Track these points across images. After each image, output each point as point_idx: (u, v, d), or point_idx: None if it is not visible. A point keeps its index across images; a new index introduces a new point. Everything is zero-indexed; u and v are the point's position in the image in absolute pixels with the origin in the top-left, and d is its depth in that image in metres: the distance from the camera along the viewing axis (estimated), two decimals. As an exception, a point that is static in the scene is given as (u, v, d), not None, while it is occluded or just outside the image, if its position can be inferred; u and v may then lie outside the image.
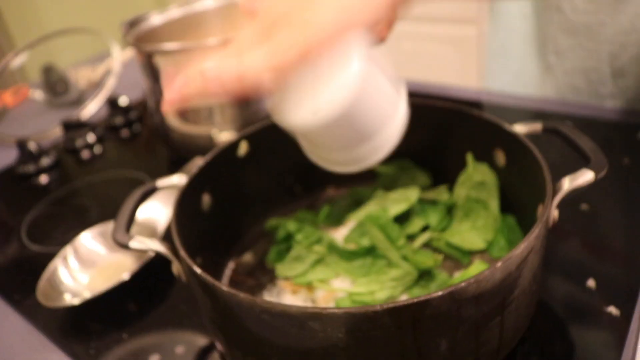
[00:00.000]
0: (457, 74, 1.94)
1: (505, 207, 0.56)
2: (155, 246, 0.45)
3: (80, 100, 1.17)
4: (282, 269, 0.55)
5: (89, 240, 0.63)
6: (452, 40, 1.95)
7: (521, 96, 0.91)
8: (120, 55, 1.12)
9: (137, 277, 0.58)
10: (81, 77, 1.25)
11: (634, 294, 0.49)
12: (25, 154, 0.92)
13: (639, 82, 0.80)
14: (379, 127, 0.44)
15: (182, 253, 0.41)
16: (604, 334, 0.46)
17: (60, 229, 0.74)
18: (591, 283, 0.51)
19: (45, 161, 0.92)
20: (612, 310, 0.48)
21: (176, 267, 0.46)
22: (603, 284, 0.51)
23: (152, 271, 0.60)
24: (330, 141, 0.44)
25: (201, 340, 0.52)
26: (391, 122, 0.44)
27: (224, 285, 0.37)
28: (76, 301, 0.55)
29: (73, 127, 0.98)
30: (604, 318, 0.48)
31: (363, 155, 0.45)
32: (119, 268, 0.61)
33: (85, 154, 0.96)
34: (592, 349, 0.45)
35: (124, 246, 0.45)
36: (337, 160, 0.46)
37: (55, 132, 1.03)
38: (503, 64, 0.97)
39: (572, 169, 0.46)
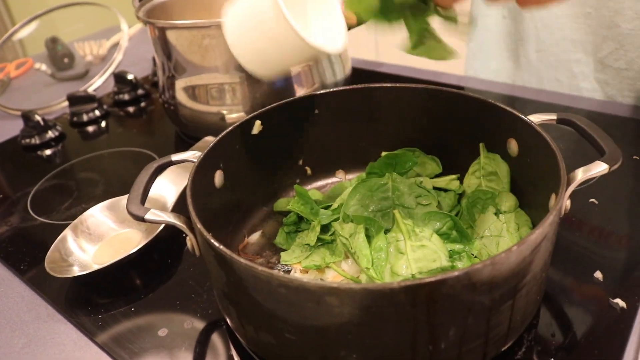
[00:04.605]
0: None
1: (516, 197, 0.56)
2: (171, 219, 0.45)
3: (85, 75, 1.16)
4: (285, 256, 0.55)
5: (99, 213, 0.63)
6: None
7: (531, 89, 0.91)
8: (128, 30, 1.11)
9: (144, 252, 0.58)
10: (87, 51, 1.24)
11: (640, 287, 0.50)
12: (30, 126, 0.91)
13: (617, 78, 0.82)
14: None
15: (199, 226, 0.41)
16: (609, 325, 0.47)
17: (65, 202, 0.74)
18: (598, 275, 0.52)
19: (51, 134, 0.92)
20: (619, 302, 0.49)
21: (190, 241, 0.46)
22: (610, 277, 0.51)
23: (159, 247, 0.60)
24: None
25: (209, 316, 0.52)
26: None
27: (241, 258, 0.37)
28: (84, 272, 0.55)
29: (79, 101, 0.97)
30: (610, 310, 0.48)
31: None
32: (127, 242, 0.61)
33: (90, 128, 0.96)
34: (598, 339, 0.46)
35: (139, 218, 0.45)
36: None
37: (61, 105, 1.03)
38: (482, 63, 0.99)
39: (578, 161, 0.46)
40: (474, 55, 1.01)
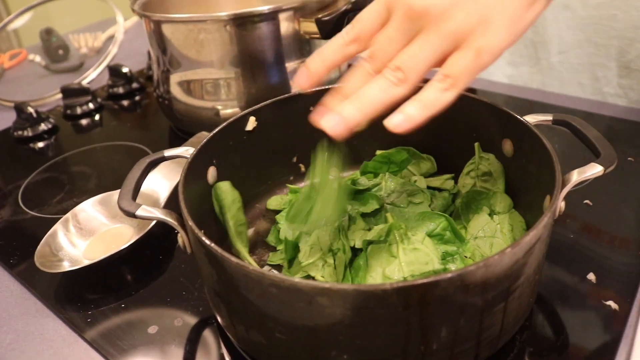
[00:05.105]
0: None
1: (510, 197, 0.56)
2: (162, 215, 0.44)
3: (80, 67, 1.15)
4: (273, 257, 0.55)
5: (90, 208, 0.63)
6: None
7: (526, 89, 0.91)
8: (124, 23, 1.10)
9: (136, 248, 0.57)
10: (82, 43, 1.23)
11: (633, 290, 0.50)
12: (23, 118, 0.90)
13: None
14: None
15: (191, 223, 0.41)
16: (602, 327, 0.47)
17: (57, 196, 0.73)
18: (591, 277, 0.51)
19: (43, 126, 0.91)
20: (611, 304, 0.48)
21: (182, 238, 0.45)
22: (603, 279, 0.51)
23: (151, 243, 0.60)
24: None
25: (200, 314, 0.52)
26: None
27: (233, 256, 0.37)
28: (74, 268, 0.55)
29: (73, 93, 0.96)
30: (602, 311, 0.48)
31: None
32: (118, 238, 0.60)
33: (84, 121, 0.95)
34: (590, 341, 0.46)
35: (131, 214, 0.44)
36: None
37: (55, 98, 1.02)
38: (497, 67, 0.97)
39: (574, 162, 0.46)
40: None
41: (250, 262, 0.52)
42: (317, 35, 0.73)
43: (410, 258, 0.46)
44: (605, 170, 0.45)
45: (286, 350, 0.41)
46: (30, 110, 0.90)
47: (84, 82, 1.05)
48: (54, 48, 1.20)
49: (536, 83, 0.92)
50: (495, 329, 0.41)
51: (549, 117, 0.52)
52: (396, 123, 0.38)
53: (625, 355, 0.45)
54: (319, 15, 0.72)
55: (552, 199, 0.42)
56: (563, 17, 0.83)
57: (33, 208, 0.71)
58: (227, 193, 0.52)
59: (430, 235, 0.50)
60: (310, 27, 0.73)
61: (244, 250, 0.52)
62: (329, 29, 0.72)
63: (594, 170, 0.45)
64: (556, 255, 0.54)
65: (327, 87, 0.61)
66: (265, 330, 0.41)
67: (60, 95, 0.98)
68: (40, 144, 0.89)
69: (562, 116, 0.52)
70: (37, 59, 1.17)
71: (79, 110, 0.96)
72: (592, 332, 0.47)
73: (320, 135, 0.63)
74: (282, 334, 0.39)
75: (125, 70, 1.01)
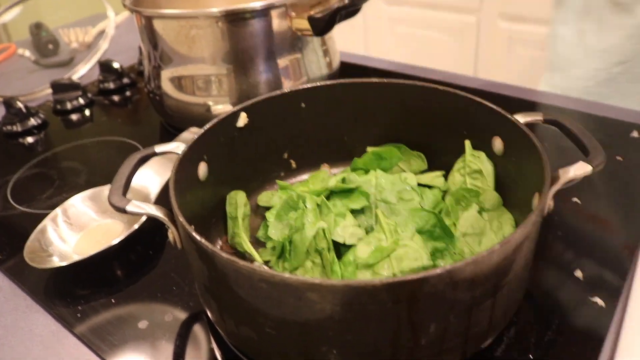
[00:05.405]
0: (453, 63, 1.95)
1: (500, 195, 0.56)
2: (153, 211, 0.44)
3: (70, 62, 1.14)
4: (263, 253, 0.55)
5: (80, 203, 0.62)
6: (451, 29, 1.94)
7: (519, 88, 0.91)
8: (115, 18, 1.09)
9: (126, 243, 0.57)
10: (72, 38, 1.22)
11: (619, 287, 0.51)
12: (12, 113, 0.90)
13: None
14: None
15: (181, 219, 0.41)
16: (588, 323, 0.48)
17: (47, 191, 0.73)
18: (579, 274, 0.52)
19: (33, 121, 0.90)
20: (598, 300, 0.49)
21: (172, 234, 0.45)
22: (590, 275, 0.52)
23: (142, 238, 0.60)
24: None
25: (190, 309, 0.52)
26: None
27: (223, 252, 0.37)
28: (64, 263, 0.55)
29: (63, 89, 0.96)
30: (589, 308, 0.49)
31: None
32: (108, 233, 0.60)
33: (74, 117, 0.95)
34: (576, 337, 0.46)
35: (121, 210, 0.44)
36: None
37: (44, 93, 1.01)
38: (561, 77, 0.95)
39: (564, 161, 0.46)
40: (552, 67, 0.96)
41: (253, 253, 0.53)
42: (309, 32, 0.73)
43: (399, 254, 0.46)
44: (593, 169, 0.45)
45: (276, 346, 0.41)
46: (20, 105, 0.90)
47: (74, 77, 1.04)
48: (44, 42, 1.20)
49: (593, 96, 0.86)
50: (484, 325, 0.41)
51: (539, 117, 0.53)
52: None
53: (610, 351, 0.46)
54: (311, 13, 0.72)
55: (541, 197, 0.42)
56: (624, 23, 0.80)
57: (22, 203, 0.70)
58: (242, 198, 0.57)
59: (419, 231, 0.50)
60: (302, 24, 0.73)
61: (248, 243, 0.54)
62: (321, 27, 0.72)
63: (583, 169, 0.45)
64: (544, 253, 0.55)
65: (319, 84, 0.61)
66: (255, 326, 0.41)
67: (50, 90, 0.98)
68: (30, 139, 0.89)
69: (552, 115, 0.52)
70: (27, 53, 1.16)
71: (69, 106, 0.95)
72: (579, 328, 0.47)
73: (311, 132, 0.63)
74: (272, 329, 0.39)
75: (116, 65, 1.00)
